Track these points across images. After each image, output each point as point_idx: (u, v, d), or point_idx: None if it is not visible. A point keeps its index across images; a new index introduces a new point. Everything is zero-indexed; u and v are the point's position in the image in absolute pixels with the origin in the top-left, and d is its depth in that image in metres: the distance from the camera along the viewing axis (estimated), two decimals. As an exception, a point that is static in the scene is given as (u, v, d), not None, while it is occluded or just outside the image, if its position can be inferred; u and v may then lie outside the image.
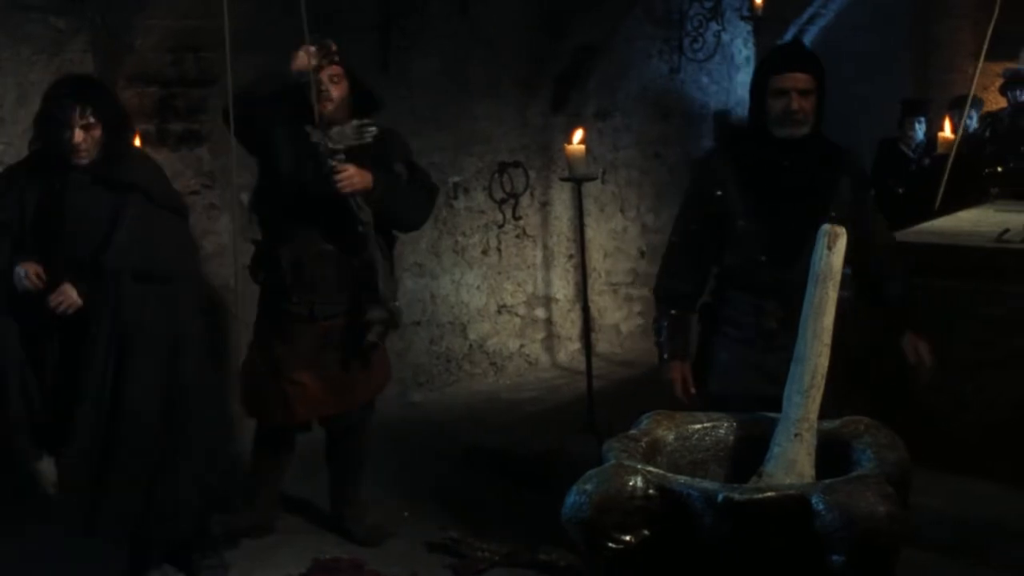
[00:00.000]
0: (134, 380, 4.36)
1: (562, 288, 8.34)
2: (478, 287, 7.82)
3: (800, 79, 4.19)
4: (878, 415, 3.42)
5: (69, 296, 4.32)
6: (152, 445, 4.41)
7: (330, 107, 4.77)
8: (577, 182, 6.54)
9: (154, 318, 4.42)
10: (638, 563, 2.93)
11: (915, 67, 12.03)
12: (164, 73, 5.67)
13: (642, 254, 8.92)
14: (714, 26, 9.07)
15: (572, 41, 7.83)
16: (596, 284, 8.45)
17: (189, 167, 5.93)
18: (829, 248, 3.20)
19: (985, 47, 5.02)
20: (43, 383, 4.41)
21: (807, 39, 9.81)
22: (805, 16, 9.71)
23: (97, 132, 4.36)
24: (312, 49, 4.61)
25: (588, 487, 2.92)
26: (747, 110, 4.48)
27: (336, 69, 4.80)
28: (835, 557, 2.73)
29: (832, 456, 3.17)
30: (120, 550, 4.66)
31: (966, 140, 8.57)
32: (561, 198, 8.19)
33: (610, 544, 2.89)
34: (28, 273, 4.30)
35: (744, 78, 9.72)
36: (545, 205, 8.19)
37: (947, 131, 7.47)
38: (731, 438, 3.43)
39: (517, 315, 8.07)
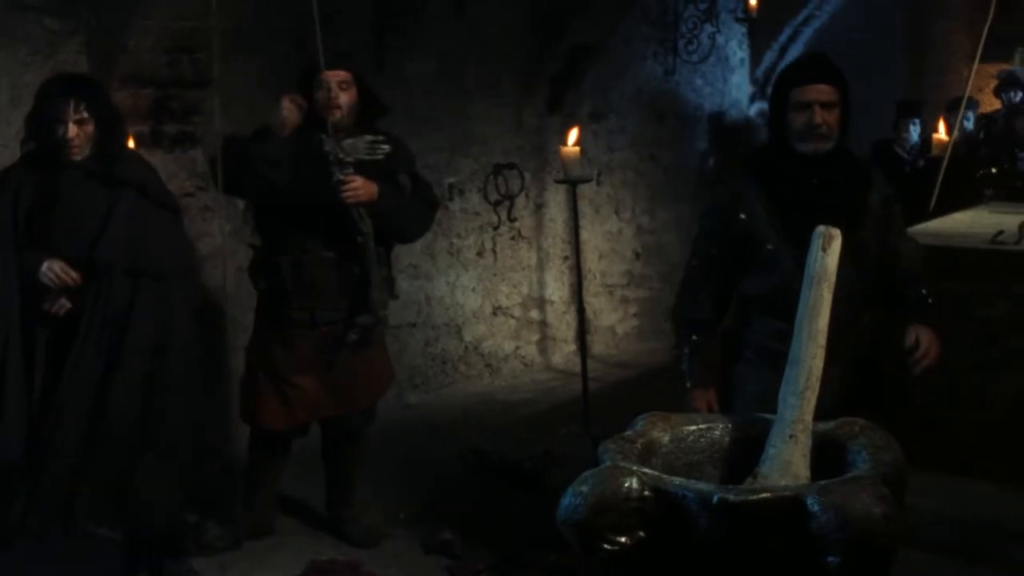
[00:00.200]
0: (120, 375, 4.37)
1: (557, 290, 8.34)
2: (473, 289, 7.82)
3: (823, 91, 4.02)
4: (880, 416, 3.42)
5: (61, 300, 4.37)
6: (133, 441, 4.42)
7: (339, 114, 4.76)
8: (572, 184, 6.54)
9: (144, 315, 4.43)
10: (633, 564, 2.93)
11: (910, 69, 12.05)
12: (159, 74, 5.66)
13: (637, 256, 8.93)
14: (709, 28, 9.07)
15: (567, 42, 7.84)
16: (591, 286, 8.45)
17: (183, 168, 5.93)
18: (824, 250, 3.21)
19: (980, 49, 5.02)
20: (31, 381, 4.41)
21: (802, 41, 9.81)
22: (800, 18, 9.70)
23: (90, 128, 4.39)
24: (298, 98, 4.64)
25: (584, 489, 2.92)
26: (767, 124, 4.33)
27: (345, 75, 4.79)
28: (831, 558, 2.73)
29: (827, 457, 3.17)
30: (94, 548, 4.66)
31: (964, 141, 8.60)
32: (556, 200, 8.19)
33: (605, 545, 2.89)
34: (53, 268, 4.32)
35: (739, 80, 9.74)
36: (540, 207, 8.19)
37: (941, 133, 7.48)
38: (726, 439, 3.43)
39: (512, 317, 8.07)
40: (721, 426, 3.46)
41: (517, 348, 8.12)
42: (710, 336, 4.24)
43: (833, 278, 3.22)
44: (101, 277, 4.37)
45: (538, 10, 7.68)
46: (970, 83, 6.19)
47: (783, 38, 9.77)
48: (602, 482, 2.91)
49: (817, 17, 9.74)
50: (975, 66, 5.72)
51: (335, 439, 5.17)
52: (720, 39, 9.30)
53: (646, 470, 3.00)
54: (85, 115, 4.36)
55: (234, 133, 4.85)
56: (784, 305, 3.73)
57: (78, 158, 4.40)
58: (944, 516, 4.84)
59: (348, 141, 4.72)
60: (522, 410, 7.28)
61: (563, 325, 8.37)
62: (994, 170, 8.65)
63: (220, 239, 5.36)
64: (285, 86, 4.90)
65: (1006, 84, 10.11)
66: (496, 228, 7.91)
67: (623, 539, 2.89)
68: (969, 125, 9.49)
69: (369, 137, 4.77)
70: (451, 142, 7.52)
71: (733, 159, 9.27)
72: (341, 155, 4.68)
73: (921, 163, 8.15)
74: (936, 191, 5.99)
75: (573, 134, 6.44)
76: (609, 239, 8.74)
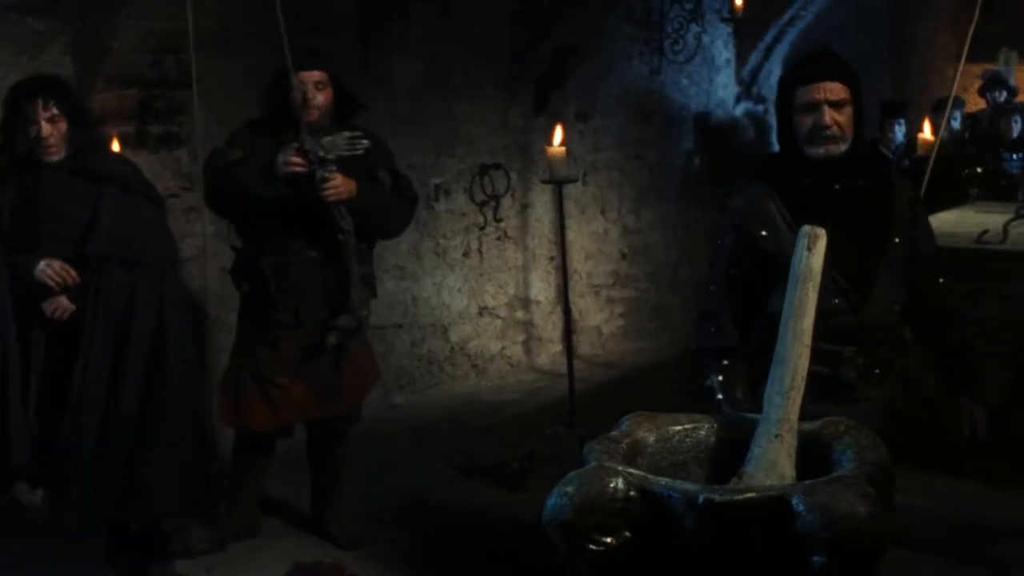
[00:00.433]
0: (128, 368, 4.40)
1: (543, 290, 8.34)
2: (459, 289, 7.81)
3: (831, 89, 3.68)
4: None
5: (62, 302, 4.38)
6: (141, 432, 4.44)
7: (315, 115, 4.76)
8: (558, 184, 6.53)
9: (145, 305, 4.46)
10: (619, 565, 2.93)
11: (895, 69, 12.09)
12: (144, 75, 5.65)
13: (623, 256, 8.93)
14: (694, 28, 9.07)
15: (553, 42, 7.83)
16: (577, 286, 8.45)
17: (168, 169, 5.91)
18: (809, 249, 3.20)
19: (966, 49, 5.03)
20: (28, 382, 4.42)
21: (787, 41, 9.82)
22: (785, 18, 9.71)
23: (63, 126, 4.40)
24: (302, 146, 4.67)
25: (569, 489, 2.91)
26: (775, 129, 3.99)
27: (320, 75, 4.79)
28: (816, 558, 2.73)
29: (813, 457, 3.17)
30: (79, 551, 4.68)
31: (951, 141, 8.63)
32: (542, 200, 8.18)
33: (591, 546, 2.88)
34: (52, 266, 4.32)
35: (724, 80, 9.75)
36: (526, 207, 8.19)
37: (927, 133, 7.49)
38: (712, 439, 3.42)
39: (498, 317, 8.07)
40: (707, 426, 3.45)
41: (503, 348, 8.12)
42: (739, 360, 3.84)
43: (818, 278, 3.20)
44: (98, 272, 4.39)
45: (523, 11, 7.67)
46: (956, 83, 6.19)
47: (768, 38, 9.78)
48: (587, 482, 2.91)
49: (802, 17, 9.75)
50: (961, 67, 5.72)
51: (320, 439, 5.17)
52: (706, 39, 9.31)
53: (632, 470, 2.99)
54: (55, 111, 4.37)
55: (214, 151, 4.87)
56: (824, 325, 3.43)
57: (55, 157, 4.41)
58: (936, 516, 4.84)
59: (327, 138, 4.71)
60: (508, 410, 7.27)
61: (549, 325, 8.36)
62: (979, 169, 8.69)
63: (203, 240, 5.36)
64: (262, 87, 4.91)
65: (991, 84, 10.16)
66: (482, 228, 7.91)
67: (609, 539, 2.88)
68: (956, 125, 9.53)
69: (347, 133, 4.76)
70: (437, 142, 7.51)
71: (719, 159, 9.30)
72: (321, 153, 4.67)
73: (906, 163, 8.17)
74: (922, 191, 5.99)
75: (558, 133, 6.43)
76: (595, 239, 8.74)
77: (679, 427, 3.43)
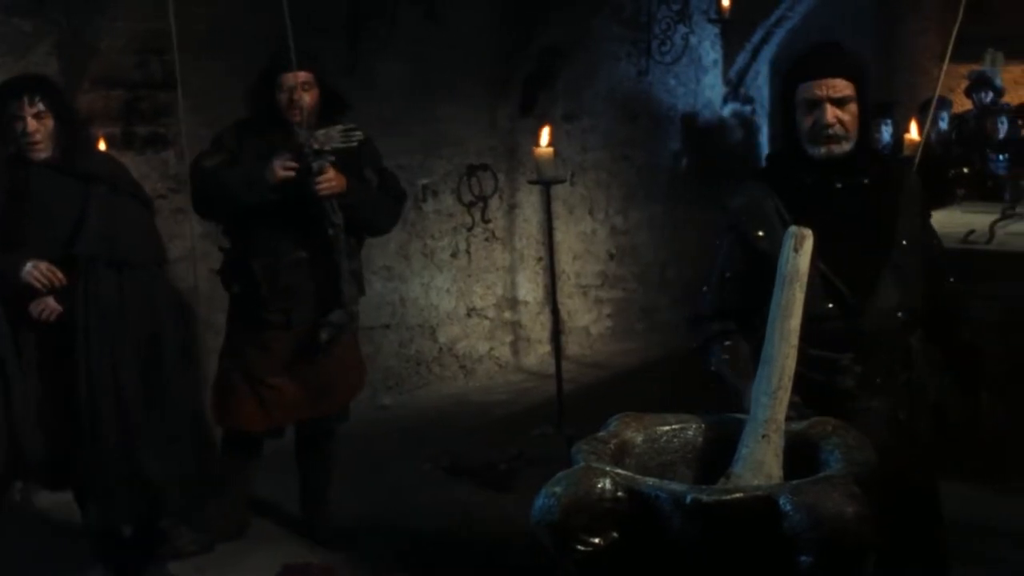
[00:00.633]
0: (125, 368, 4.43)
1: (531, 291, 8.34)
2: (447, 290, 7.81)
3: (835, 85, 3.51)
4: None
5: (49, 303, 4.37)
6: (143, 431, 4.48)
7: (301, 115, 4.76)
8: (546, 185, 6.54)
9: (134, 304, 4.46)
10: (607, 565, 2.93)
11: (881, 69, 12.10)
12: (130, 76, 5.65)
13: (611, 256, 8.92)
14: (682, 28, 9.06)
15: (540, 43, 7.84)
16: (565, 286, 8.45)
17: (155, 170, 5.91)
18: (796, 249, 3.20)
19: (949, 49, 5.03)
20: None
21: (774, 42, 9.83)
22: (772, 18, 9.71)
23: (49, 123, 4.41)
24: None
25: (557, 489, 2.91)
26: (777, 128, 3.91)
27: (307, 76, 4.79)
28: (803, 558, 2.73)
29: (800, 457, 3.17)
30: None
31: (939, 141, 8.64)
32: (530, 200, 8.18)
33: (579, 546, 2.88)
34: (39, 268, 4.31)
35: (711, 80, 9.75)
36: (514, 208, 8.19)
37: (913, 133, 7.50)
38: (699, 440, 3.42)
39: (486, 318, 8.06)
40: (694, 426, 3.45)
41: (491, 349, 8.11)
42: (740, 341, 3.66)
43: (805, 278, 3.20)
44: (86, 272, 4.38)
45: (510, 12, 7.67)
46: (940, 83, 6.19)
47: (756, 39, 9.78)
48: (575, 483, 2.91)
49: (789, 18, 9.75)
50: (944, 66, 5.72)
51: (309, 439, 5.16)
52: (693, 40, 9.30)
53: (619, 471, 2.99)
54: (41, 107, 4.38)
55: (200, 154, 4.86)
56: (817, 330, 3.38)
57: (43, 155, 4.41)
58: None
59: (321, 132, 4.72)
60: (496, 411, 7.27)
61: (537, 326, 8.36)
62: (966, 170, 8.69)
63: (192, 241, 5.35)
64: (247, 87, 4.91)
65: (977, 84, 10.16)
66: (470, 229, 7.90)
67: (596, 540, 2.88)
68: (944, 125, 9.54)
69: (341, 126, 4.77)
70: (424, 144, 7.51)
71: (707, 160, 9.30)
72: (316, 146, 4.67)
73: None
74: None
75: (545, 134, 6.43)
76: (583, 240, 8.74)
77: (667, 427, 3.43)
